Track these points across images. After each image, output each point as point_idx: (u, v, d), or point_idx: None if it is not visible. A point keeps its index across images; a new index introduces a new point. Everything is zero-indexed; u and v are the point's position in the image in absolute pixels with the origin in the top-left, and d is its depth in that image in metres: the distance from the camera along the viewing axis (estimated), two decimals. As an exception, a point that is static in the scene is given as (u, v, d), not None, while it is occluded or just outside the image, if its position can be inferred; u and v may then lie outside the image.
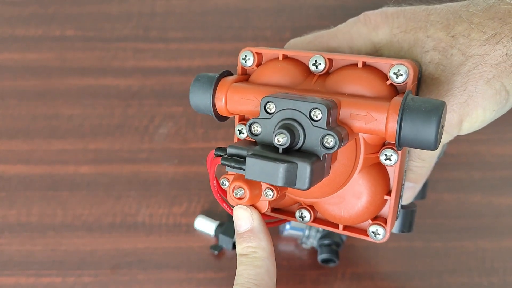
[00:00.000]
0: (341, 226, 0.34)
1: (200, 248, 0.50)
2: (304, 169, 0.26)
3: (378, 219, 0.34)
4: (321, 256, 0.47)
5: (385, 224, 0.33)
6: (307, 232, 0.48)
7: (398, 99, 0.27)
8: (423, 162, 0.34)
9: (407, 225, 0.37)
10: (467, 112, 0.30)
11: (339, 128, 0.27)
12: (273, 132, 0.27)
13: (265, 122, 0.28)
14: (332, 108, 0.27)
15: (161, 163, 0.55)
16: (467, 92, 0.29)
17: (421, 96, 0.32)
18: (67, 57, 0.61)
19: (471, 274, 0.49)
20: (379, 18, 0.33)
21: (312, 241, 0.48)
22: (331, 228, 0.35)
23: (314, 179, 0.26)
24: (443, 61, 0.29)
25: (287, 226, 0.48)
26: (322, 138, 0.27)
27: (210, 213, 0.52)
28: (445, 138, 0.33)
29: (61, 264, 0.49)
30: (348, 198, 0.32)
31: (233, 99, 0.32)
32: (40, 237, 0.51)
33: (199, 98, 0.32)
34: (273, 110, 0.28)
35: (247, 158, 0.27)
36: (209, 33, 0.61)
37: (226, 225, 0.50)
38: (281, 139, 0.26)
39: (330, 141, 0.26)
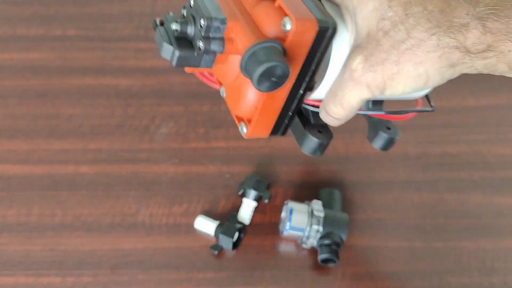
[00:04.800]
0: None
1: (200, 248, 0.50)
2: (173, 53, 0.34)
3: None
4: (321, 256, 0.47)
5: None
6: (307, 232, 0.48)
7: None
8: (342, 110, 0.36)
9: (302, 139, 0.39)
10: (391, 84, 0.34)
11: (217, 41, 0.33)
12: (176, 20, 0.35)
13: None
14: (219, 24, 0.33)
15: (161, 163, 0.55)
16: (396, 67, 0.33)
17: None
18: (68, 57, 0.61)
19: (471, 274, 0.49)
20: None
21: (312, 241, 0.48)
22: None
23: (183, 63, 0.34)
24: (391, 32, 0.33)
25: (287, 226, 0.48)
26: (198, 40, 0.34)
27: (210, 213, 0.52)
28: (367, 96, 0.35)
29: (61, 264, 0.49)
30: (237, 92, 0.38)
31: None
32: (39, 237, 0.51)
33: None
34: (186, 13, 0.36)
35: (156, 29, 0.35)
36: (210, 33, 0.61)
37: (226, 225, 0.50)
38: (175, 26, 0.34)
39: (200, 45, 0.33)
